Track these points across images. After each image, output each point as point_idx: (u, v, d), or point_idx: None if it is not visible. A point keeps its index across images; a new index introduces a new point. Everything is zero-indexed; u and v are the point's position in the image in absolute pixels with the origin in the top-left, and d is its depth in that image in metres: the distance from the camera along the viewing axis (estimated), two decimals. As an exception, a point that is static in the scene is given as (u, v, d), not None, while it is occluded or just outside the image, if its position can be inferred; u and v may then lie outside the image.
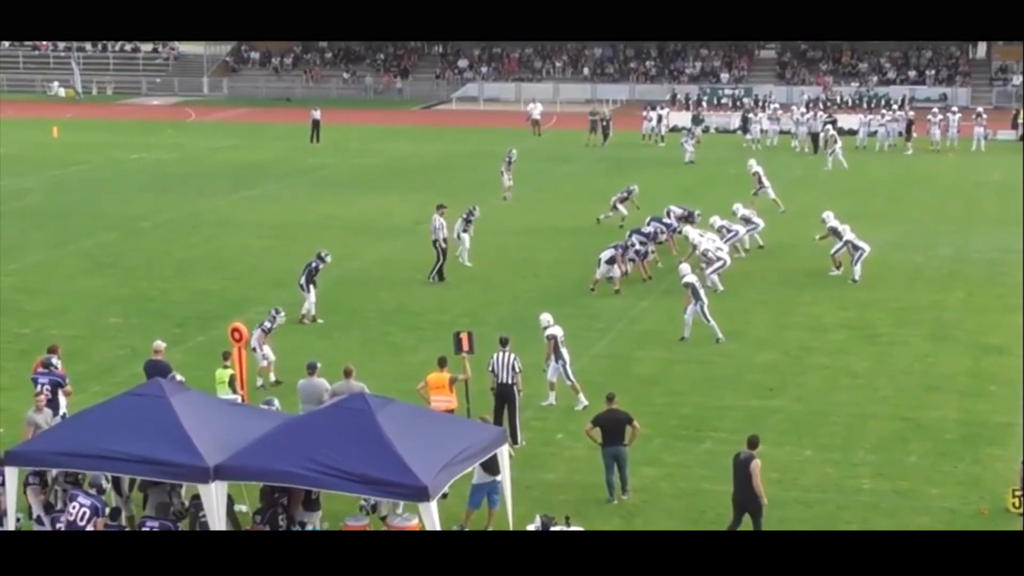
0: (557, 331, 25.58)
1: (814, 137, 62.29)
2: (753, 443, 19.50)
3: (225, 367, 23.25)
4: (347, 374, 22.26)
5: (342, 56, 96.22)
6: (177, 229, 42.78)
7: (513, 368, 23.26)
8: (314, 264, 31.10)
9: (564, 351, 25.46)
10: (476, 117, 79.84)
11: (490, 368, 23.45)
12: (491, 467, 19.65)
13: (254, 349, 26.17)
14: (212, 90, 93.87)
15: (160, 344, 24.21)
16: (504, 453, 19.64)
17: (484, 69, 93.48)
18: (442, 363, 22.90)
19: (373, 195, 49.69)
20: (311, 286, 30.97)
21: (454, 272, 35.67)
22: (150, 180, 54.02)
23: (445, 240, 35.43)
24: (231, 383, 22.96)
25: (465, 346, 23.89)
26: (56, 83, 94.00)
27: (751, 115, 67.09)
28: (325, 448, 17.75)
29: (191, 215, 45.01)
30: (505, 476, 19.65)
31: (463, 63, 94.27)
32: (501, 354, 23.40)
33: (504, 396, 23.23)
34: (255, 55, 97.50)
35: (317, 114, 66.97)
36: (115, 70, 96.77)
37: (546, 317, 26.11)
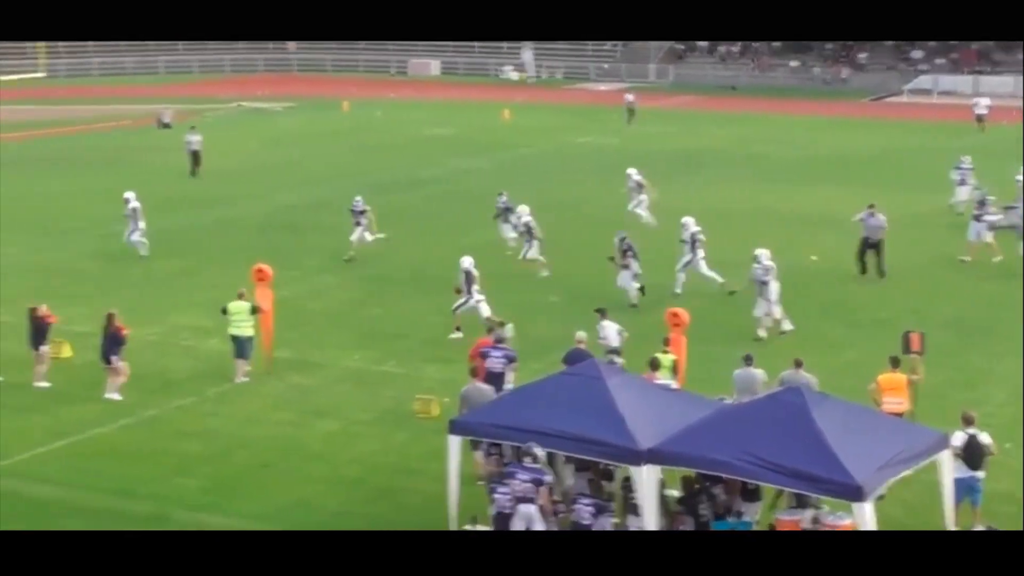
0: None
1: None
2: None
3: (665, 352, 23.26)
4: (797, 365, 22.04)
5: (791, 45, 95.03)
6: (615, 213, 43.07)
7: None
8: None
9: None
10: (928, 111, 77.11)
11: None
12: (972, 461, 19.18)
13: None
14: (659, 77, 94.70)
15: (582, 334, 24.31)
16: (947, 459, 18.81)
17: (939, 61, 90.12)
18: (895, 363, 22.03)
19: (814, 187, 48.81)
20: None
21: (892, 268, 34.48)
22: (593, 165, 55.00)
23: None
24: (673, 368, 22.91)
25: (915, 346, 22.92)
26: (509, 67, 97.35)
27: None
28: (758, 439, 17.53)
29: (625, 201, 44.94)
30: (946, 482, 18.86)
31: (917, 54, 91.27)
32: None
33: None
34: (703, 42, 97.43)
35: (631, 97, 70.99)
36: (565, 55, 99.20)
37: None
